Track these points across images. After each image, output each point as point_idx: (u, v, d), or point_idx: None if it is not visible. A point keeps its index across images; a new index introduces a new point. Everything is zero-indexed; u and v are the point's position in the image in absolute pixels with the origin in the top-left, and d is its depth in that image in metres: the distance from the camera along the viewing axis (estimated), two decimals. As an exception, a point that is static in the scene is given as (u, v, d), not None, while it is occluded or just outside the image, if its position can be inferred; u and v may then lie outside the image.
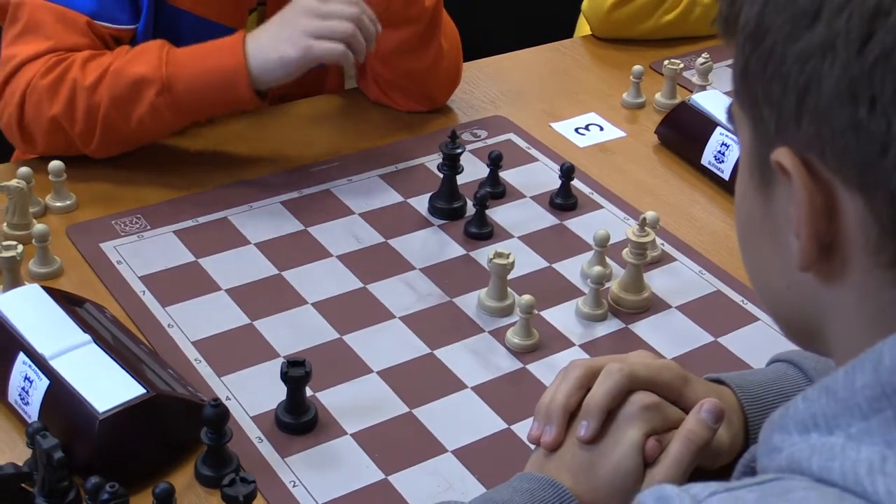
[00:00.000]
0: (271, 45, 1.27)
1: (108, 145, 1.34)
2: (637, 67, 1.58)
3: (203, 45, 1.31)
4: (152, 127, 1.33)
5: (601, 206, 1.36)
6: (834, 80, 0.59)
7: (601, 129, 1.53)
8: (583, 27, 1.86)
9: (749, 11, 0.64)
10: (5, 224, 1.23)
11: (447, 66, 1.50)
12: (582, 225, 1.33)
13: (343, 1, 1.28)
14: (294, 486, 0.94)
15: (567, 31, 1.92)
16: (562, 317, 1.17)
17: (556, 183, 1.36)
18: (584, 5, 1.78)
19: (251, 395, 1.03)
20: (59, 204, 1.29)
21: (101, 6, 1.34)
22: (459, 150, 1.30)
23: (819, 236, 0.63)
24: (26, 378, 0.96)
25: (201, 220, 1.29)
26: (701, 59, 1.59)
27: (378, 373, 1.07)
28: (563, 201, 1.35)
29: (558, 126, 1.53)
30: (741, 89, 0.67)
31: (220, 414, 0.90)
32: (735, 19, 0.66)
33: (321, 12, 1.26)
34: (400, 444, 0.99)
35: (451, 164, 1.30)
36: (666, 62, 1.58)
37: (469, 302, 1.18)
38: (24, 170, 1.24)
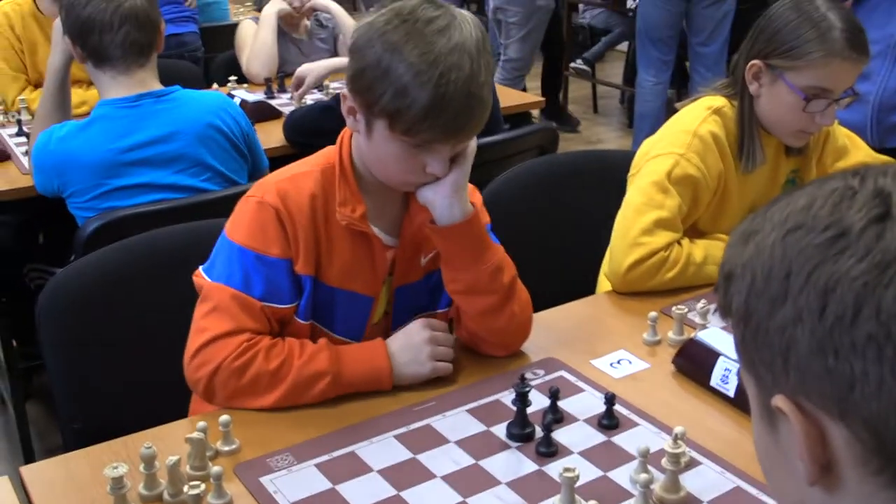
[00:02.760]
0: (407, 363, 1.55)
1: (272, 406, 1.50)
2: (652, 313, 1.69)
3: (358, 346, 1.55)
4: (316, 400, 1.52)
5: (638, 424, 1.45)
6: (806, 342, 0.65)
7: (630, 362, 1.63)
8: (603, 284, 1.99)
9: (738, 300, 0.72)
10: (188, 466, 1.34)
11: (518, 325, 1.62)
12: (626, 440, 1.41)
13: (442, 335, 1.58)
14: None
15: (588, 287, 2.06)
16: (620, 516, 1.24)
17: (602, 408, 1.45)
18: (605, 269, 1.92)
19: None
20: (227, 448, 1.39)
21: (268, 291, 1.51)
22: (528, 389, 1.42)
23: (818, 458, 0.67)
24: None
25: (335, 454, 1.38)
26: (700, 304, 1.72)
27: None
28: (609, 422, 1.44)
29: (597, 362, 1.62)
30: (742, 356, 0.73)
31: None
32: (728, 307, 0.74)
33: (436, 341, 1.55)
34: None
35: (522, 399, 1.42)
36: (674, 308, 1.70)
37: (546, 508, 1.25)
38: (201, 424, 1.35)
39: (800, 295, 0.66)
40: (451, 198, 1.51)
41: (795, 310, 0.66)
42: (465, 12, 1.47)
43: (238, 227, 1.53)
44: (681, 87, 6.24)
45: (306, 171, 1.57)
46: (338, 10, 3.74)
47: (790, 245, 0.68)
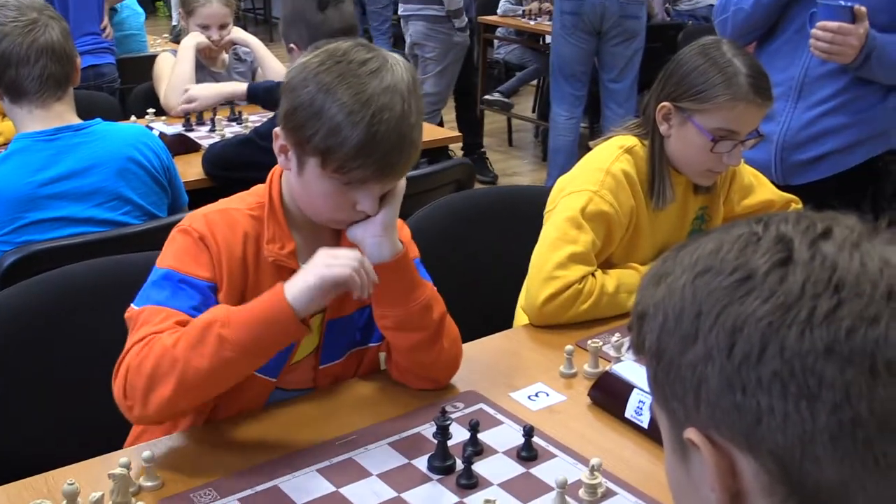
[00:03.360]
0: (300, 279, 1.42)
1: (185, 392, 1.40)
2: (568, 346, 1.73)
3: (249, 302, 1.44)
4: (224, 366, 1.39)
5: (556, 456, 1.48)
6: (716, 378, 0.68)
7: (547, 395, 1.66)
8: (520, 318, 2.02)
9: (651, 338, 0.75)
10: (111, 502, 1.33)
11: (447, 360, 1.65)
12: (544, 471, 1.44)
13: (346, 254, 1.46)
14: None
15: (506, 321, 2.09)
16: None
17: (521, 440, 1.48)
18: (522, 303, 1.96)
19: None
20: (150, 484, 1.39)
21: (193, 310, 1.47)
22: (448, 422, 1.45)
23: (728, 488, 0.69)
24: None
25: (258, 488, 1.39)
26: (615, 338, 1.77)
27: None
28: (528, 454, 1.47)
29: (515, 395, 1.65)
30: (655, 392, 0.76)
31: None
32: (642, 345, 0.76)
33: (332, 254, 1.45)
34: None
35: (443, 433, 1.44)
36: (589, 341, 1.74)
37: (469, 537, 1.27)
38: (123, 459, 1.35)
39: (709, 334, 0.69)
40: (380, 237, 1.54)
41: (706, 348, 0.70)
42: (396, 55, 1.51)
43: (165, 255, 1.55)
44: (593, 122, 6.38)
45: (238, 207, 1.58)
46: (256, 44, 3.74)
47: (700, 287, 0.72)
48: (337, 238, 1.62)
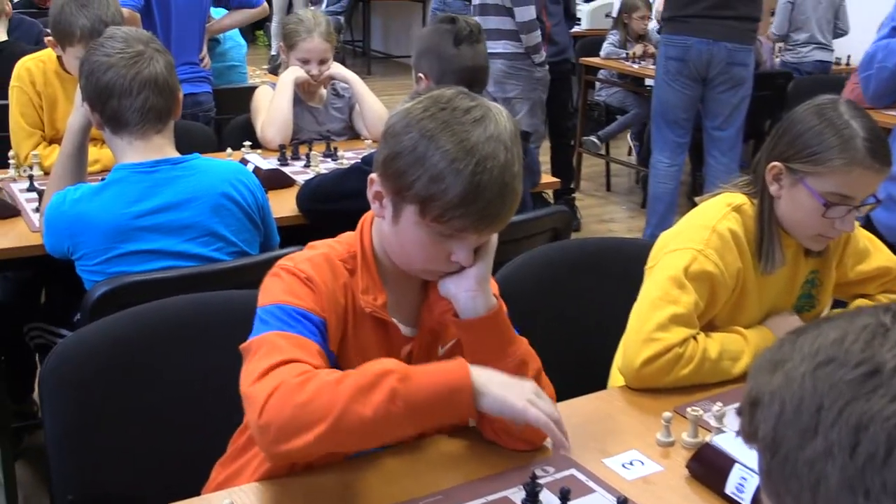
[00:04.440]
0: (496, 381, 1.42)
1: (335, 435, 1.31)
2: (666, 413, 1.69)
3: (435, 364, 1.42)
4: (385, 421, 1.33)
5: None
6: (836, 477, 0.67)
7: (643, 463, 1.62)
8: (615, 378, 1.99)
9: (765, 428, 0.73)
10: None
11: None
12: None
13: (549, 403, 1.47)
14: None
15: (600, 381, 2.06)
16: None
17: None
18: (618, 363, 1.93)
19: None
20: None
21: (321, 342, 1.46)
22: (538, 489, 1.44)
23: None
24: None
25: None
26: (716, 407, 1.71)
27: None
28: None
29: (609, 462, 1.62)
30: (766, 485, 0.74)
31: None
32: (754, 434, 0.74)
33: (539, 393, 1.46)
34: None
35: (533, 499, 1.43)
36: (689, 409, 1.70)
37: None
38: (226, 501, 1.40)
39: (831, 430, 0.68)
40: (474, 291, 1.53)
41: (826, 444, 0.68)
42: (498, 105, 1.51)
43: (271, 292, 1.50)
44: (696, 170, 6.31)
45: (336, 251, 1.58)
46: (355, 80, 3.80)
47: (821, 378, 0.70)
48: (424, 290, 1.62)
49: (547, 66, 5.28)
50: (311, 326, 1.47)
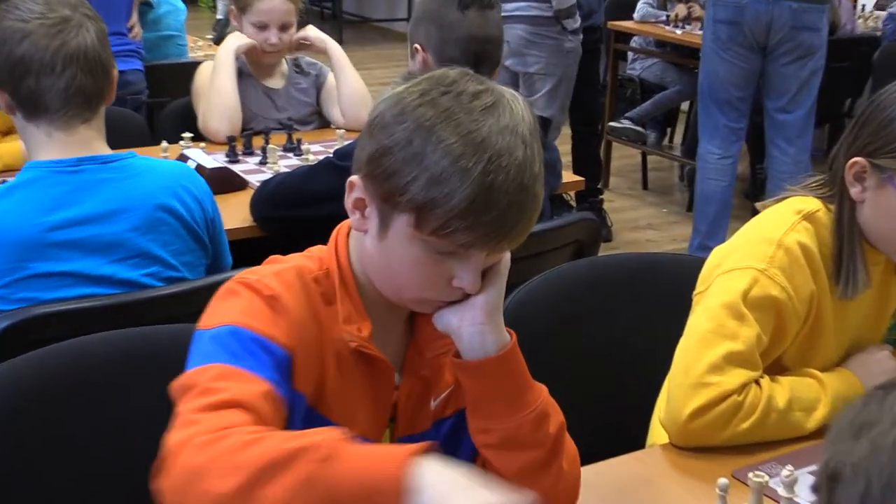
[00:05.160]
0: (447, 488, 1.21)
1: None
2: (722, 480, 1.67)
3: (377, 447, 1.31)
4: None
5: None
6: None
7: None
8: (657, 434, 2.00)
9: None
10: None
11: (567, 487, 1.59)
12: None
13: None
14: None
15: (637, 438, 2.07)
16: None
17: None
18: (661, 414, 1.94)
19: None
20: None
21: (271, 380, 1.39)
22: None
23: None
24: None
25: None
26: (785, 472, 1.69)
27: None
28: None
29: None
30: None
31: None
32: None
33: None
34: None
35: None
36: (750, 474, 1.68)
37: None
38: None
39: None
40: (483, 324, 1.50)
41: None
42: (512, 91, 1.49)
43: (224, 311, 1.46)
44: (756, 164, 6.32)
45: (308, 267, 1.55)
46: (335, 47, 3.78)
47: None
48: (409, 327, 1.61)
49: (581, 36, 5.26)
50: (266, 360, 1.42)
